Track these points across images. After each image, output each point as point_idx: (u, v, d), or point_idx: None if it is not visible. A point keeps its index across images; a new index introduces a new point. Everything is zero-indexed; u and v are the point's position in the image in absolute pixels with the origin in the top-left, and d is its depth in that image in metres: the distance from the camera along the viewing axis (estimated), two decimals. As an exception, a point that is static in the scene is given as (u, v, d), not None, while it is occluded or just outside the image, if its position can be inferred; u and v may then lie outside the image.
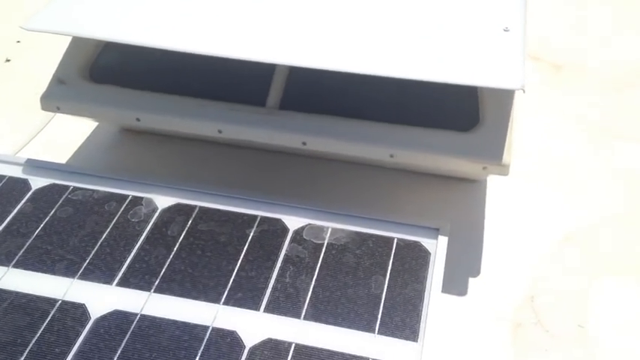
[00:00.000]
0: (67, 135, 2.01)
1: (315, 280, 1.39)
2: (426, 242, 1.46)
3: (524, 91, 1.30)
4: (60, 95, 1.69)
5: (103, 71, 1.72)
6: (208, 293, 1.37)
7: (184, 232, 1.49)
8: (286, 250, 1.45)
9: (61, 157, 1.96)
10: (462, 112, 1.51)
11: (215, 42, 1.41)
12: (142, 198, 1.57)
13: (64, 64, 1.73)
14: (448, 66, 1.34)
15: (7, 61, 2.52)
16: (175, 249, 1.46)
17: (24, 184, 1.64)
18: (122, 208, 1.55)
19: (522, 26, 1.43)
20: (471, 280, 1.62)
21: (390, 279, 1.39)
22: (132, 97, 1.64)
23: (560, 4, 2.47)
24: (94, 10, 1.55)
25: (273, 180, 1.79)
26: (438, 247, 1.44)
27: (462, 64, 1.34)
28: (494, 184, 1.84)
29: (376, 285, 1.39)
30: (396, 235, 1.47)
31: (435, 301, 1.33)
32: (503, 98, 1.49)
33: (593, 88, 2.09)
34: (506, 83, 1.29)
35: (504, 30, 1.43)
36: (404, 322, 1.31)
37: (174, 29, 1.46)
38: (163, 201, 1.56)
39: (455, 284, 1.65)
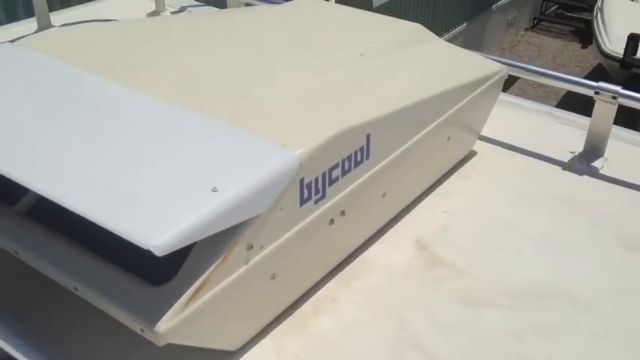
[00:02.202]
0: None
1: None
2: None
3: (156, 254, 1.23)
4: None
5: None
6: None
7: None
8: None
9: None
10: (167, 264, 1.40)
11: None
12: None
13: None
14: (111, 204, 1.34)
15: None
16: None
17: None
18: None
19: (238, 191, 1.39)
20: None
21: None
22: None
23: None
24: None
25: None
26: None
27: (129, 206, 1.33)
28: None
29: None
30: None
31: None
32: (205, 259, 1.42)
33: (448, 298, 1.86)
34: (137, 237, 1.25)
35: (212, 189, 1.38)
36: None
37: None
38: None
39: None
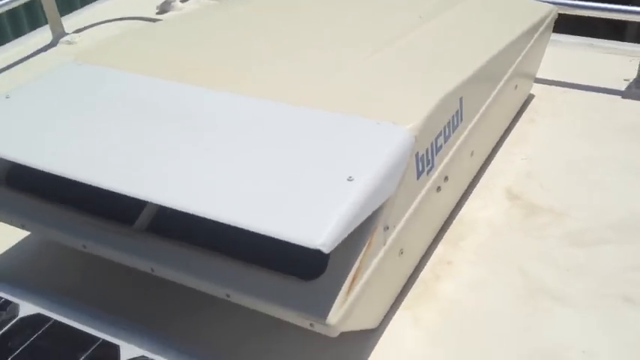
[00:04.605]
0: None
1: None
2: None
3: (325, 251, 1.25)
4: None
5: (17, 177, 1.81)
6: None
7: (22, 348, 1.48)
8: None
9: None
10: (311, 259, 1.43)
11: (91, 170, 1.51)
12: (10, 303, 1.58)
13: None
14: (259, 212, 1.33)
15: None
16: None
17: None
18: None
19: (371, 177, 1.39)
20: None
21: None
22: (23, 203, 1.72)
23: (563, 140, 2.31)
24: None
25: (156, 300, 1.79)
26: None
27: (277, 211, 1.33)
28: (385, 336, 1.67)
29: None
30: None
31: None
32: (351, 249, 1.43)
33: (559, 242, 1.90)
34: (303, 239, 1.25)
35: (348, 179, 1.39)
36: None
37: (55, 150, 1.57)
38: (27, 309, 1.57)
39: None
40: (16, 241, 2.01)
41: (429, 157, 1.66)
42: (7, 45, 3.48)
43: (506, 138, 2.31)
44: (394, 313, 1.71)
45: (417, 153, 1.58)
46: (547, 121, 2.38)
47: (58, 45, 3.38)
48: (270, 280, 1.45)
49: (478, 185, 2.10)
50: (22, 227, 1.71)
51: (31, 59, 3.26)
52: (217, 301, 1.58)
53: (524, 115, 2.42)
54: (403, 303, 1.73)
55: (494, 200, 2.04)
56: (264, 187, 1.41)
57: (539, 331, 1.63)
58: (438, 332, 1.65)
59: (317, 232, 1.26)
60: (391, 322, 1.69)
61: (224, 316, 1.72)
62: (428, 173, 1.67)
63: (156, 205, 1.64)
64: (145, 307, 1.77)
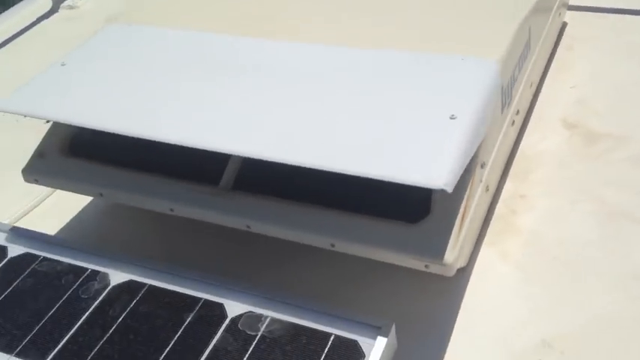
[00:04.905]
0: (69, 201, 2.00)
1: (233, 381, 1.36)
2: (364, 342, 1.36)
3: (448, 191, 1.24)
4: (38, 168, 1.73)
5: (81, 146, 1.76)
6: (126, 383, 1.36)
7: (125, 314, 1.48)
8: (216, 342, 1.40)
9: (60, 223, 1.96)
10: (414, 202, 1.44)
11: (173, 128, 1.46)
12: (98, 272, 1.56)
13: (47, 137, 1.77)
14: (373, 158, 1.31)
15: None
16: (110, 332, 1.44)
17: (2, 253, 1.62)
18: (77, 283, 1.54)
19: (474, 113, 1.38)
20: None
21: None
22: (97, 172, 1.68)
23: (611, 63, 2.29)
24: (65, 91, 1.61)
25: (244, 257, 1.78)
26: (374, 349, 1.34)
27: (389, 156, 1.30)
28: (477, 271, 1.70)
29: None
30: (335, 332, 1.39)
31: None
32: (460, 188, 1.42)
33: (627, 165, 1.91)
34: (426, 181, 1.24)
35: (450, 117, 1.37)
36: None
37: (131, 114, 1.52)
38: (118, 277, 1.56)
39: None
40: (76, 212, 1.99)
41: (509, 90, 1.64)
42: (5, 14, 3.33)
43: (549, 67, 2.29)
44: (479, 250, 1.71)
45: (502, 86, 1.56)
46: (586, 46, 2.37)
47: (60, 10, 3.24)
48: (376, 226, 1.43)
49: (532, 118, 2.09)
50: (100, 196, 1.67)
51: (34, 28, 3.12)
52: (303, 252, 1.57)
53: (563, 42, 2.40)
54: (486, 239, 1.73)
55: (552, 131, 2.04)
56: (369, 132, 1.37)
57: (626, 254, 1.64)
58: (526, 265, 1.66)
59: (438, 173, 1.24)
60: (479, 260, 1.69)
61: (313, 265, 1.71)
62: (508, 107, 1.66)
63: (237, 162, 1.61)
64: (231, 264, 1.75)
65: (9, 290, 1.52)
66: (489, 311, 1.57)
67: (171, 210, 1.59)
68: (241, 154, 1.38)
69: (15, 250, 1.61)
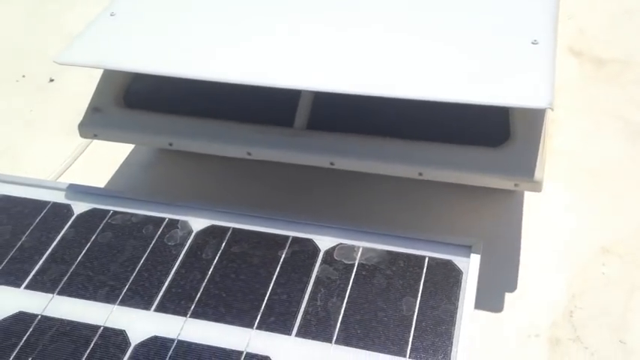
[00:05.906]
0: (106, 156, 1.99)
1: (346, 302, 1.43)
2: (458, 260, 1.47)
3: (552, 110, 1.33)
4: (96, 123, 1.69)
5: (137, 97, 1.72)
6: (242, 317, 1.41)
7: (218, 255, 1.51)
8: (317, 272, 1.47)
9: (102, 178, 1.94)
10: (491, 127, 1.52)
11: (241, 69, 1.45)
12: (177, 221, 1.58)
13: (98, 92, 1.72)
14: (472, 85, 1.36)
15: (51, 80, 2.42)
16: (210, 273, 1.48)
17: (67, 210, 1.60)
18: (159, 232, 1.55)
19: (552, 37, 1.45)
20: (507, 296, 1.62)
21: (421, 300, 1.41)
22: (164, 122, 1.66)
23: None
24: (124, 40, 1.57)
25: (308, 197, 1.82)
26: (470, 266, 1.45)
27: (487, 82, 1.37)
28: (529, 192, 1.82)
29: (407, 307, 1.41)
30: (428, 254, 1.48)
31: (467, 322, 1.36)
32: (535, 111, 1.51)
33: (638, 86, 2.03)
34: (532, 102, 1.31)
35: (533, 43, 1.44)
36: (435, 345, 1.36)
37: (199, 58, 1.50)
38: (198, 223, 1.58)
39: (490, 301, 1.60)
40: (116, 166, 1.97)
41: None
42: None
43: None
44: None
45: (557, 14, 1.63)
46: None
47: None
48: (462, 152, 1.50)
49: None
50: (169, 146, 1.65)
51: None
52: (369, 183, 1.61)
53: None
54: None
55: (563, 59, 2.16)
56: (460, 61, 1.41)
57: None
58: (571, 182, 1.78)
59: (541, 94, 1.31)
60: None
61: (384, 196, 1.78)
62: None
63: (308, 102, 1.62)
64: (299, 203, 1.79)
65: (90, 244, 1.51)
66: (548, 227, 1.68)
67: (249, 154, 1.59)
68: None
69: (80, 207, 1.59)
